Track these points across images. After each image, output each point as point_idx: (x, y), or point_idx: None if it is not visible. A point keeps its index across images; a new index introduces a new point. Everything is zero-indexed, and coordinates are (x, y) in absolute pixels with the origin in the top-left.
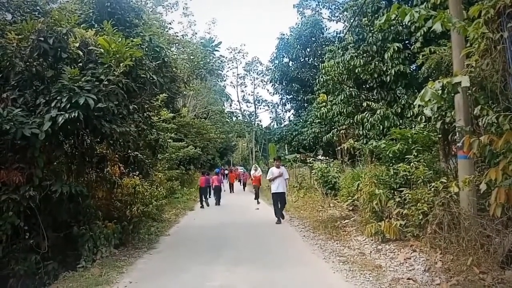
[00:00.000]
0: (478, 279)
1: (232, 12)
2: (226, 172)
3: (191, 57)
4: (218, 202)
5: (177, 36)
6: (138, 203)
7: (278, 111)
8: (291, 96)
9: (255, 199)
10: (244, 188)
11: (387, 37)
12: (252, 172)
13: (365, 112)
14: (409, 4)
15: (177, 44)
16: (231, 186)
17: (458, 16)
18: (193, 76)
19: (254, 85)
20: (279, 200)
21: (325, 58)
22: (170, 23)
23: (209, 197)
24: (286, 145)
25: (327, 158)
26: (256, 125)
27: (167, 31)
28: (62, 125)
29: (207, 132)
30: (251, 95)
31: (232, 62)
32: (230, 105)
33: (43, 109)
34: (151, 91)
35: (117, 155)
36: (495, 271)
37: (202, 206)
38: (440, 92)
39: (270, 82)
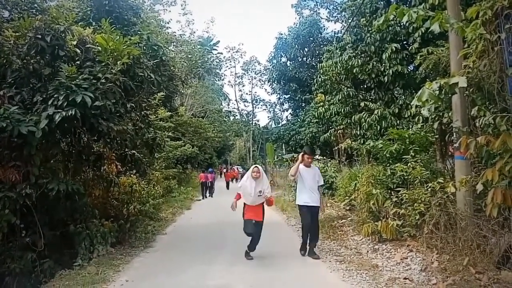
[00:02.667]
0: (474, 279)
1: (230, 11)
2: (224, 170)
3: (189, 55)
4: (211, 195)
5: (175, 35)
6: (135, 201)
7: (276, 111)
8: (289, 95)
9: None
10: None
11: (385, 37)
12: (244, 184)
13: (363, 112)
14: (407, 5)
15: (174, 43)
16: (227, 184)
17: (456, 17)
18: (191, 75)
19: (252, 84)
20: (311, 219)
21: (323, 58)
22: (168, 22)
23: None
24: (283, 145)
25: (325, 157)
26: (253, 124)
27: (165, 30)
28: (59, 123)
29: (205, 131)
30: (249, 94)
31: (230, 61)
32: (228, 104)
33: (40, 107)
34: (149, 89)
35: (114, 154)
36: (491, 271)
37: (203, 198)
38: (437, 92)
39: (268, 82)
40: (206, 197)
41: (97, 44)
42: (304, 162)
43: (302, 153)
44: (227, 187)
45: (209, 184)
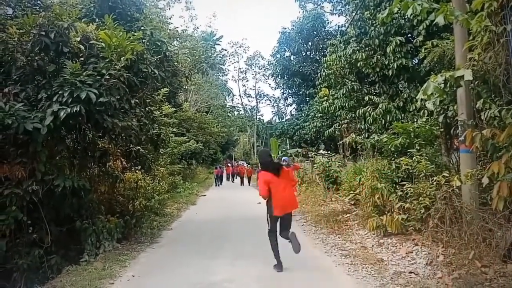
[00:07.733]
0: (480, 273)
1: (234, 6)
2: (229, 165)
3: (193, 51)
4: (220, 184)
5: (177, 31)
6: (141, 197)
7: (279, 106)
8: (293, 90)
9: None
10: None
11: (389, 30)
12: None
13: (367, 106)
14: None
15: (178, 38)
16: (228, 176)
17: (461, 9)
18: (195, 70)
19: (256, 79)
20: None
21: (327, 52)
22: (170, 18)
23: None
24: (287, 140)
25: (329, 152)
26: (257, 119)
27: (168, 25)
28: (64, 119)
29: (209, 126)
30: (253, 89)
31: (234, 57)
32: (232, 100)
33: (45, 103)
34: (153, 85)
35: (119, 150)
36: (496, 264)
37: (217, 186)
38: (442, 85)
39: (272, 76)
40: (218, 186)
41: (101, 40)
42: None
43: None
44: (227, 179)
45: (220, 175)
